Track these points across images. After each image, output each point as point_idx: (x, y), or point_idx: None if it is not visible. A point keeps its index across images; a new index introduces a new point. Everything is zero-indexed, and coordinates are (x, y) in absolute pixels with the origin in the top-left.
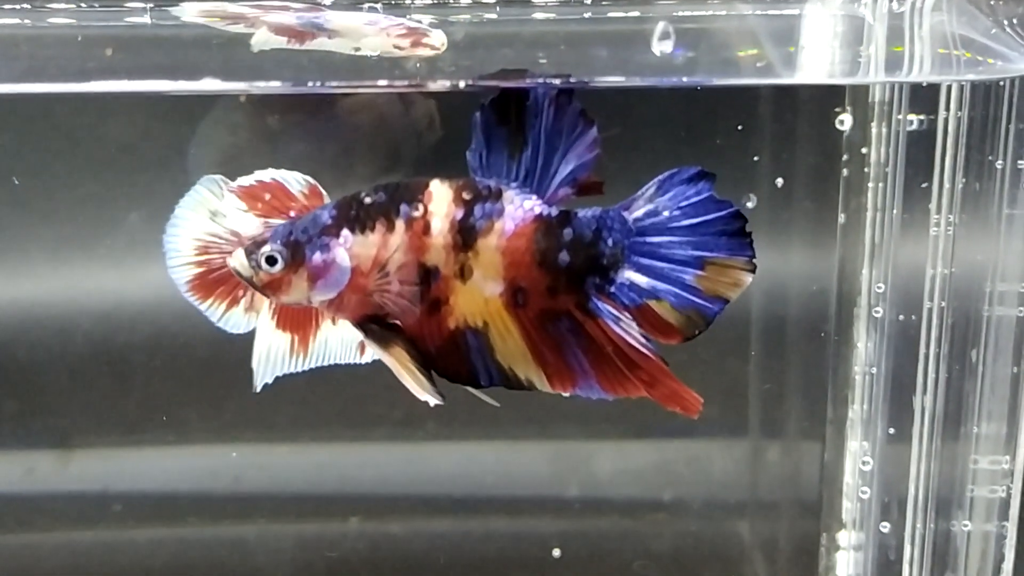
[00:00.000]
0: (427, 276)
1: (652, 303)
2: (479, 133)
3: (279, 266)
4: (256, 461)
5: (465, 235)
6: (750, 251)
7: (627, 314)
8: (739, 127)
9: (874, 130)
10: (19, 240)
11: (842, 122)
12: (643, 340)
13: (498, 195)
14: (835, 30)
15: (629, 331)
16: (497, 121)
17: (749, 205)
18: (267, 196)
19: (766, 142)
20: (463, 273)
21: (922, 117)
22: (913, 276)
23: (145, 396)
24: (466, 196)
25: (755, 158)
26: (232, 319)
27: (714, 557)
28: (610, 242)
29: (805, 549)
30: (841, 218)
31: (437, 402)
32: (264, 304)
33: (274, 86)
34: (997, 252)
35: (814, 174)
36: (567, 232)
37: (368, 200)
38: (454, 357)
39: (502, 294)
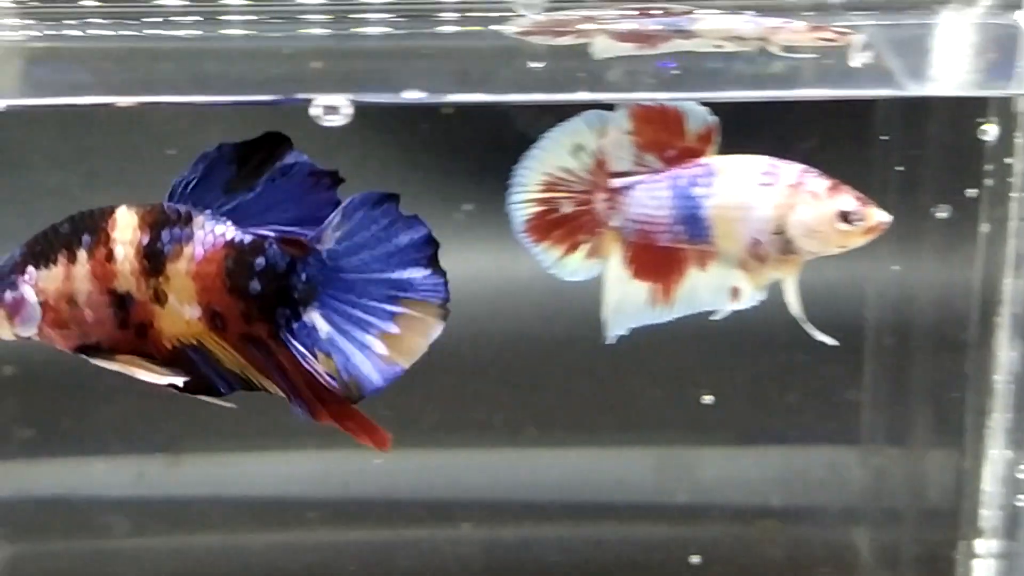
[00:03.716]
0: (122, 302)
1: (322, 357)
2: (200, 166)
3: None
4: (364, 467)
5: (153, 260)
6: (444, 292)
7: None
8: (883, 137)
9: (1018, 140)
10: None
11: (985, 132)
12: (328, 378)
13: (188, 220)
14: (976, 39)
15: (314, 368)
16: (230, 160)
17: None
18: (659, 123)
19: (910, 152)
20: (159, 297)
21: None
22: None
23: (254, 400)
24: (152, 221)
25: (899, 168)
26: (569, 265)
27: (851, 564)
28: (304, 276)
29: (939, 558)
30: (984, 228)
31: (176, 381)
32: (614, 251)
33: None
34: None
35: (957, 184)
36: (259, 261)
37: (54, 233)
38: (184, 372)
39: (200, 318)
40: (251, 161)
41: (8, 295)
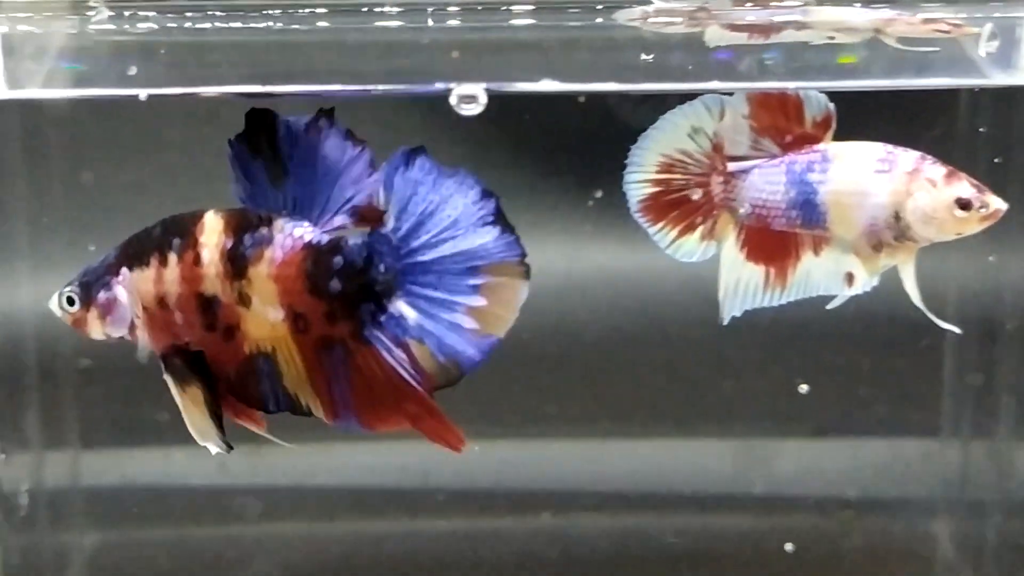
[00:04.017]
0: (209, 305)
1: (414, 344)
2: (236, 168)
3: (77, 306)
4: (443, 458)
5: (236, 264)
6: (519, 248)
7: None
8: (981, 130)
9: None
10: None
11: None
12: (414, 372)
13: (268, 223)
14: None
15: (401, 363)
16: (250, 154)
17: None
18: (777, 108)
19: (1007, 144)
20: (242, 300)
21: None
22: None
23: None
24: (236, 225)
25: (996, 160)
26: (684, 247)
27: (936, 555)
28: (382, 268)
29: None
30: None
31: (219, 451)
32: (729, 234)
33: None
34: None
35: None
36: (337, 260)
37: (146, 236)
38: (248, 382)
39: (284, 319)
40: (260, 144)
41: (102, 295)
